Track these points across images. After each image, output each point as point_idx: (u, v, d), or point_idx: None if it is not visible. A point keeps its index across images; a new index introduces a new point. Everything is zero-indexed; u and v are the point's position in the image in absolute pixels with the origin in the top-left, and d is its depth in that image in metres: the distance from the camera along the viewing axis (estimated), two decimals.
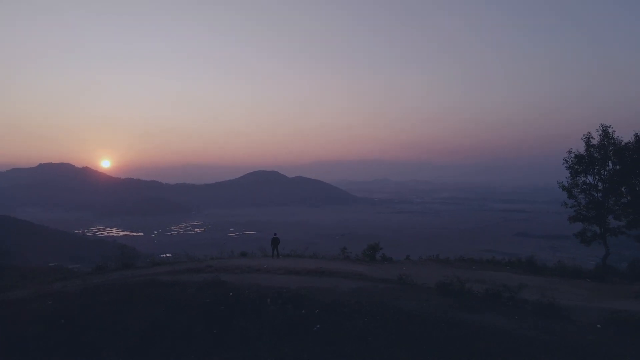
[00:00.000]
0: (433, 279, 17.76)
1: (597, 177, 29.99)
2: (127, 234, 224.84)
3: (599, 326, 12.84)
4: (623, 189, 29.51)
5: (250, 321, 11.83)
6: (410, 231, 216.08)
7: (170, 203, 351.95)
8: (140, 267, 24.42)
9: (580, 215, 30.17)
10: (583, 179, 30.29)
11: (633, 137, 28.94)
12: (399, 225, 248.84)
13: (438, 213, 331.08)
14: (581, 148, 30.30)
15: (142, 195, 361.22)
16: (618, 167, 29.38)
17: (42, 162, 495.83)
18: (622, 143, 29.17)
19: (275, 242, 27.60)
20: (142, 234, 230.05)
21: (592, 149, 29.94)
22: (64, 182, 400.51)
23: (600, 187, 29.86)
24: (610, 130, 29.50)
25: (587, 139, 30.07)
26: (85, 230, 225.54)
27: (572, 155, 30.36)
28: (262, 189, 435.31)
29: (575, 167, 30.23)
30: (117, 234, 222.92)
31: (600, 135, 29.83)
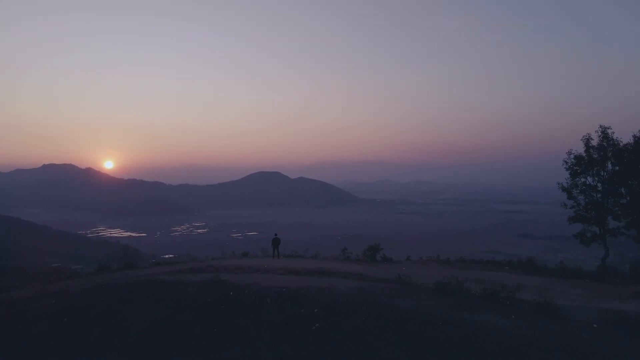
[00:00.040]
0: (432, 279, 17.80)
1: (596, 178, 30.08)
2: (130, 235, 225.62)
3: (595, 326, 12.94)
4: (622, 189, 29.59)
5: (250, 320, 11.97)
6: (412, 232, 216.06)
7: (173, 204, 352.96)
8: (143, 267, 24.56)
9: (579, 216, 30.27)
10: (582, 179, 30.38)
11: (632, 139, 29.01)
12: (400, 226, 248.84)
13: (440, 214, 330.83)
14: (580, 149, 30.42)
15: (145, 196, 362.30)
16: (617, 168, 29.45)
17: (45, 163, 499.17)
18: (621, 144, 29.25)
19: (275, 242, 27.67)
20: (145, 234, 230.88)
21: (591, 150, 30.03)
22: (67, 183, 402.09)
23: (600, 188, 29.93)
24: (609, 131, 29.59)
25: (587, 140, 30.16)
26: (89, 231, 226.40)
27: (572, 156, 30.46)
28: (265, 190, 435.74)
29: (575, 168, 30.33)
30: (120, 235, 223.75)
31: (600, 136, 29.91)
